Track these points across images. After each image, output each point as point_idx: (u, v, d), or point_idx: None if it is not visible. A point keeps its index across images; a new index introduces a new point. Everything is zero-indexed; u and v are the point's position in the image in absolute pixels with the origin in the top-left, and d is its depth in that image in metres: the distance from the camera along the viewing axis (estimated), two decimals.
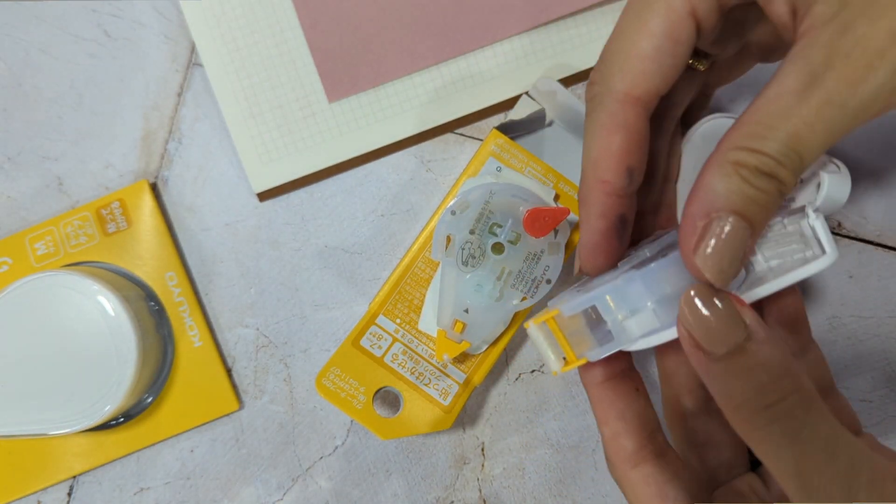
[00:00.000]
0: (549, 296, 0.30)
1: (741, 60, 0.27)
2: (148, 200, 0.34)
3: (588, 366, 0.24)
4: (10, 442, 0.32)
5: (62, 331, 0.30)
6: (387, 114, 0.34)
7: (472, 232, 0.30)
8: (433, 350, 0.32)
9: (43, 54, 0.34)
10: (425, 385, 0.32)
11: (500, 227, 0.30)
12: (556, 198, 0.32)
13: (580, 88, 0.35)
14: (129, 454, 0.33)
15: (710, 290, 0.20)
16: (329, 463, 0.34)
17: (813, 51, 0.19)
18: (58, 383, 0.30)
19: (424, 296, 0.32)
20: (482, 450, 0.34)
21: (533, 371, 0.34)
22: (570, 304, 0.22)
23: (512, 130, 0.33)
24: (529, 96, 0.33)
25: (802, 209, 0.22)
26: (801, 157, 0.19)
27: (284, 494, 0.34)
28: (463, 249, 0.30)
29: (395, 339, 0.32)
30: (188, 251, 0.34)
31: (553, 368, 0.23)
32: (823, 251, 0.21)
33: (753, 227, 0.20)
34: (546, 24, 0.34)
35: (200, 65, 0.35)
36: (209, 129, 0.35)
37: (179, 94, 0.35)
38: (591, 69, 0.34)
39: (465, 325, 0.30)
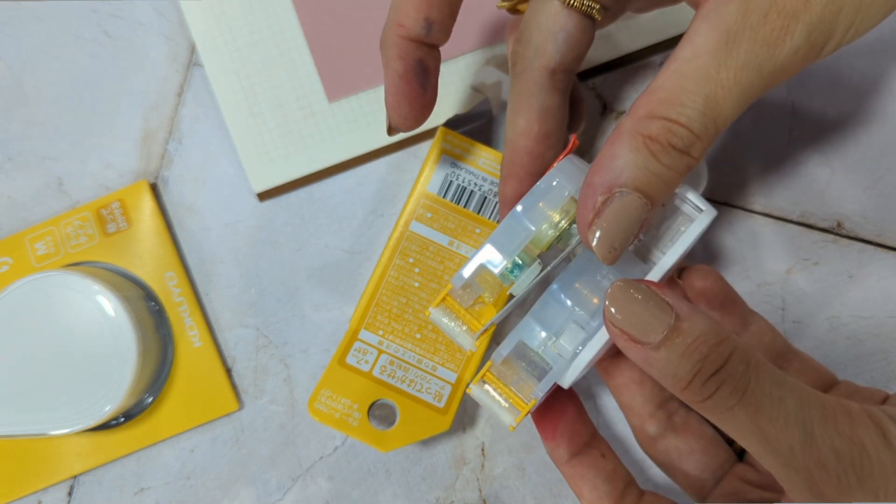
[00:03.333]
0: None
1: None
2: (148, 200, 0.34)
3: (553, 446, 0.25)
4: (10, 442, 0.32)
5: (62, 331, 0.30)
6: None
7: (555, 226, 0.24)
8: (420, 355, 0.32)
9: (43, 54, 0.34)
10: (417, 391, 0.32)
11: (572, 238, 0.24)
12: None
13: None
14: (129, 454, 0.33)
15: (626, 285, 0.19)
16: (329, 463, 0.34)
17: (728, 8, 0.18)
18: (58, 383, 0.30)
19: (402, 303, 0.32)
20: (482, 450, 0.34)
21: None
22: (498, 351, 0.22)
23: (460, 125, 0.33)
24: (474, 88, 0.33)
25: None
26: (716, 126, 0.19)
27: (284, 494, 0.34)
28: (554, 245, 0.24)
29: (380, 352, 0.32)
30: (188, 251, 0.34)
31: (507, 423, 0.22)
32: (700, 210, 0.22)
33: (654, 204, 0.20)
34: None
35: (200, 65, 0.35)
36: (209, 129, 0.35)
37: (179, 94, 0.35)
38: (589, 70, 0.34)
39: (508, 296, 0.24)
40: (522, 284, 0.22)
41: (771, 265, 0.34)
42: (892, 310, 0.34)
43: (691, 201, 0.22)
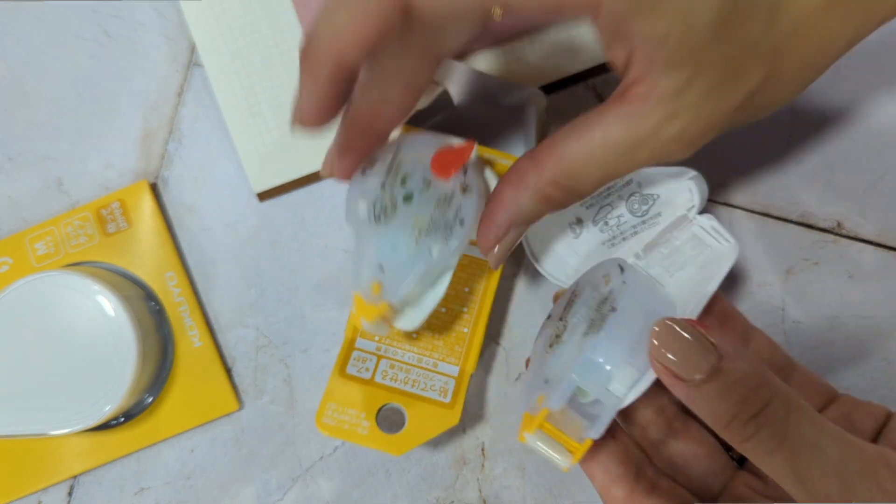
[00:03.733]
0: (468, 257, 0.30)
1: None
2: (148, 200, 0.34)
3: None
4: (10, 442, 0.32)
5: (62, 331, 0.30)
6: None
7: (382, 187, 0.27)
8: (419, 354, 0.32)
9: (43, 54, 0.34)
10: (422, 390, 0.32)
11: (410, 177, 0.27)
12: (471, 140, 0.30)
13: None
14: (129, 454, 0.33)
15: (672, 324, 0.21)
16: (329, 463, 0.34)
17: (643, 122, 0.21)
18: (58, 383, 0.30)
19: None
20: (482, 450, 0.34)
21: None
22: (555, 397, 0.23)
23: (421, 121, 0.32)
24: (432, 81, 0.33)
25: (683, 219, 0.25)
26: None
27: (284, 494, 0.34)
28: (374, 205, 0.27)
29: (379, 357, 0.32)
30: (188, 251, 0.34)
31: (564, 466, 0.23)
32: (728, 241, 0.24)
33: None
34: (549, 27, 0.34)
35: (200, 65, 0.35)
36: (209, 129, 0.35)
37: (179, 94, 0.35)
38: (589, 71, 0.34)
39: (381, 285, 0.27)
40: (601, 426, 0.23)
41: (771, 265, 0.34)
42: (893, 310, 0.34)
43: (719, 233, 0.24)
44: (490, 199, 0.25)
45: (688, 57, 0.20)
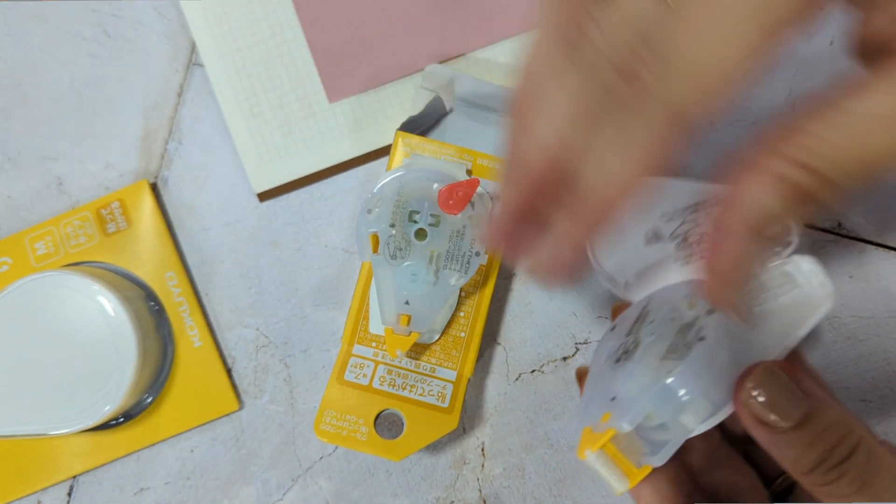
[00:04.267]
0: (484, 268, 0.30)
1: None
2: (148, 200, 0.34)
3: None
4: (10, 442, 0.32)
5: (62, 331, 0.30)
6: (387, 114, 0.34)
7: (392, 225, 0.30)
8: (416, 360, 0.32)
9: (43, 54, 0.34)
10: (420, 395, 0.32)
11: (417, 213, 0.30)
12: (469, 172, 0.32)
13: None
14: (129, 454, 0.33)
15: (771, 370, 0.20)
16: (329, 463, 0.34)
17: None
18: (58, 383, 0.30)
19: None
20: (482, 450, 0.34)
21: (533, 371, 0.34)
22: (626, 420, 0.22)
23: (415, 126, 0.33)
24: (425, 88, 0.33)
25: (776, 254, 0.23)
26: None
27: (284, 494, 0.34)
28: (388, 244, 0.30)
29: (377, 363, 0.32)
30: (188, 251, 0.34)
31: (620, 490, 0.23)
32: (824, 286, 0.22)
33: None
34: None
35: (200, 65, 0.35)
36: (209, 129, 0.35)
37: (179, 94, 0.35)
38: None
39: (409, 317, 0.30)
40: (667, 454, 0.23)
41: None
42: (892, 310, 0.34)
43: (815, 275, 0.23)
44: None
45: None
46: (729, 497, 0.26)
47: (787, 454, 0.20)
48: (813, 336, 0.34)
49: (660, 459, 0.22)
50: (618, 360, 0.24)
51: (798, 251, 0.24)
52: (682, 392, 0.21)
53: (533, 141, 0.19)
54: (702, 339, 0.22)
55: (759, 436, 0.21)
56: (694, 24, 0.16)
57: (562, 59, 0.18)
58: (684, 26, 0.16)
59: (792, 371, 0.21)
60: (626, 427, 0.22)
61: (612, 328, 0.26)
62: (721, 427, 0.26)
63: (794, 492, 0.26)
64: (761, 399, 0.20)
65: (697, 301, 0.23)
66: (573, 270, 0.21)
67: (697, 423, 0.22)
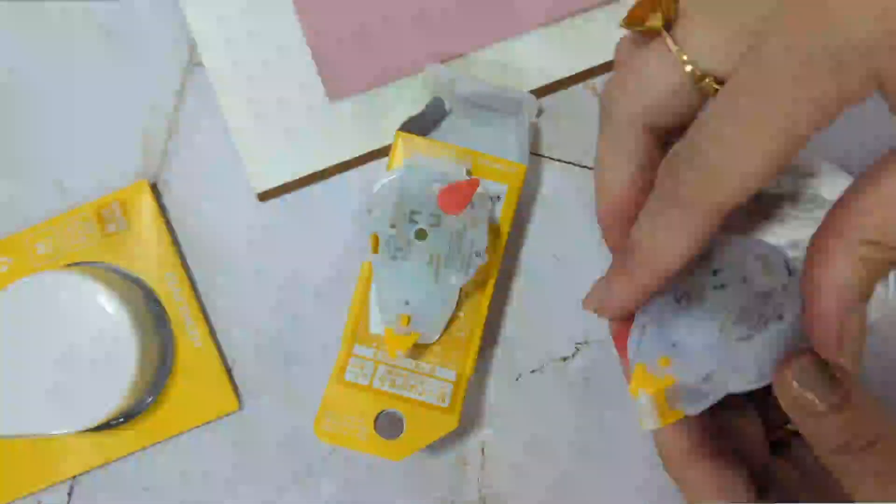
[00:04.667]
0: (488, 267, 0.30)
1: None
2: (148, 200, 0.34)
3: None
4: (10, 442, 0.32)
5: (62, 331, 0.30)
6: (387, 114, 0.34)
7: (392, 225, 0.30)
8: (417, 359, 0.32)
9: (43, 54, 0.34)
10: (420, 395, 0.32)
11: (418, 213, 0.30)
12: (469, 172, 0.32)
13: (508, 74, 0.35)
14: (129, 454, 0.33)
15: (810, 361, 0.21)
16: (329, 463, 0.34)
17: None
18: (58, 383, 0.30)
19: None
20: (482, 450, 0.34)
21: (533, 371, 0.34)
22: (688, 375, 0.22)
23: (415, 127, 0.33)
24: (425, 88, 0.33)
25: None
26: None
27: (284, 494, 0.34)
28: (388, 244, 0.30)
29: (377, 363, 0.32)
30: (188, 251, 0.34)
31: (650, 426, 0.23)
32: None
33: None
34: (555, 22, 0.34)
35: (201, 64, 0.35)
36: (209, 129, 0.35)
37: (179, 94, 0.35)
38: (589, 70, 0.34)
39: (409, 317, 0.30)
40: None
41: None
42: (893, 310, 0.34)
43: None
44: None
45: None
46: (731, 441, 0.26)
47: (814, 432, 0.22)
48: None
49: (694, 410, 0.23)
50: (678, 300, 0.24)
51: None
52: (746, 364, 0.22)
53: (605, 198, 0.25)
54: (780, 317, 0.22)
55: (794, 415, 0.22)
56: (722, 139, 0.19)
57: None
58: (713, 139, 0.20)
59: (830, 358, 0.21)
60: (687, 380, 0.22)
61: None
62: None
63: (791, 446, 0.27)
64: (804, 384, 0.21)
65: (773, 268, 0.23)
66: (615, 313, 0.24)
67: (742, 388, 0.22)
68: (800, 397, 0.21)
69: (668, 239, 0.22)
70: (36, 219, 0.34)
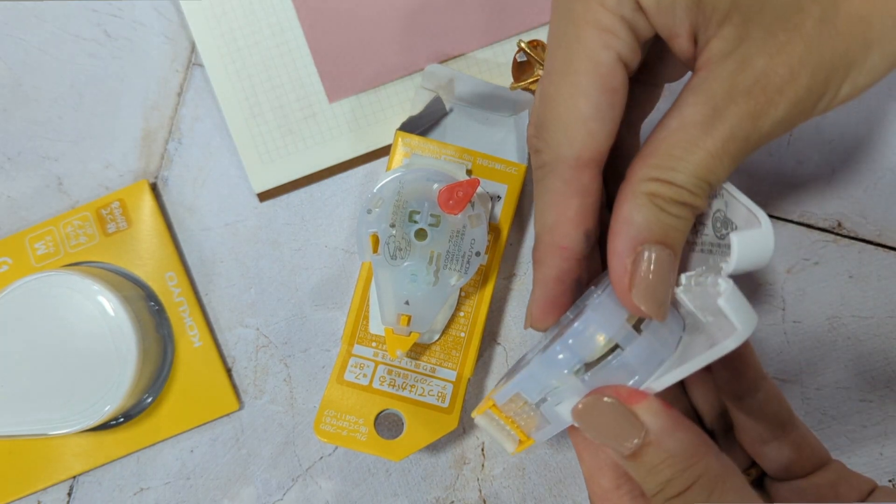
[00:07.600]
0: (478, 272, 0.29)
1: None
2: (148, 200, 0.34)
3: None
4: (10, 442, 0.32)
5: (62, 331, 0.30)
6: (387, 114, 0.34)
7: (392, 225, 0.30)
8: (416, 360, 0.32)
9: (43, 54, 0.34)
10: (420, 395, 0.32)
11: (417, 213, 0.30)
12: (469, 172, 0.32)
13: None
14: (129, 454, 0.33)
15: (598, 397, 0.20)
16: (329, 463, 0.34)
17: (714, 84, 0.19)
18: (58, 383, 0.30)
19: None
20: (482, 450, 0.34)
21: None
22: (500, 393, 0.22)
23: (415, 127, 0.33)
24: (425, 88, 0.33)
25: (718, 272, 0.20)
26: (710, 185, 0.20)
27: (284, 494, 0.34)
28: (388, 244, 0.30)
29: (377, 363, 0.32)
30: (188, 251, 0.34)
31: (509, 450, 0.23)
32: (734, 328, 0.19)
33: (675, 252, 0.20)
34: (546, 24, 0.34)
35: (200, 65, 0.35)
36: (209, 129, 0.35)
37: (179, 94, 0.35)
38: None
39: (409, 317, 0.30)
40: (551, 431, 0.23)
41: (771, 265, 0.34)
42: (893, 310, 0.34)
43: (725, 310, 0.19)
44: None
45: (731, 8, 0.19)
46: None
47: (631, 474, 0.21)
48: (813, 335, 0.34)
49: (538, 437, 0.22)
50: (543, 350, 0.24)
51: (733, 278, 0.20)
52: (552, 382, 0.21)
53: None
54: (622, 348, 0.21)
55: (609, 454, 0.21)
56: (545, 96, 0.22)
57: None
58: (542, 99, 0.22)
59: (635, 395, 0.20)
60: (499, 400, 0.22)
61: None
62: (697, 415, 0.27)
63: (765, 481, 0.27)
64: (593, 432, 0.20)
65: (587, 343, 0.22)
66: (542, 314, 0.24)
67: (567, 414, 0.21)
68: (599, 441, 0.20)
69: (550, 205, 0.22)
70: (36, 219, 0.34)
